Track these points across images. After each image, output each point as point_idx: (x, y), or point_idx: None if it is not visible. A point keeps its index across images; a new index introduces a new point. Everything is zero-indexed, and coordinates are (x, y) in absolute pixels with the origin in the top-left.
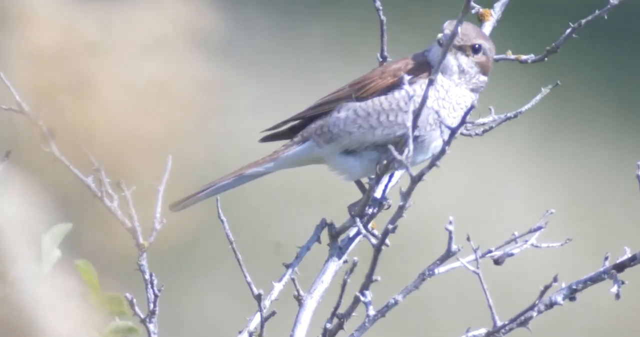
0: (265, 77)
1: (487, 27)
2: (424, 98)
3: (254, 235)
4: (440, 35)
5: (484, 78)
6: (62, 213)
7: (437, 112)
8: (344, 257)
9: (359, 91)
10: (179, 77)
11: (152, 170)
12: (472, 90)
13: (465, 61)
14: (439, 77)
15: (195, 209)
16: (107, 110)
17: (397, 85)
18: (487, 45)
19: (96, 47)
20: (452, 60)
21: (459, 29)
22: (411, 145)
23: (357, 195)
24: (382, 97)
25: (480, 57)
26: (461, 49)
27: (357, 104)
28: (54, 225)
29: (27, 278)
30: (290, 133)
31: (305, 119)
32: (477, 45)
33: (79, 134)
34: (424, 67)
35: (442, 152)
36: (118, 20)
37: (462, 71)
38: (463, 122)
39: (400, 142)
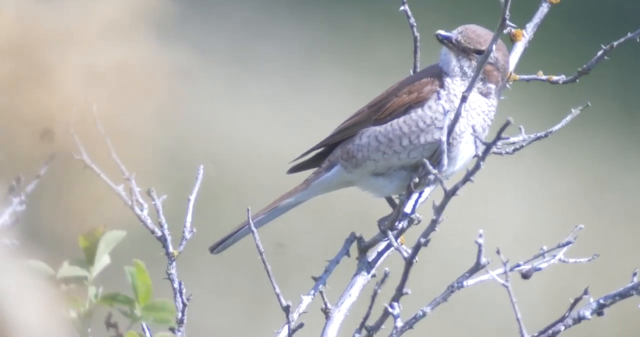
0: (224, 60)
1: (519, 47)
2: (457, 115)
3: (268, 239)
4: (441, 31)
5: (489, 85)
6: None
7: (472, 127)
8: (373, 271)
9: (378, 112)
10: (137, 62)
11: (116, 154)
12: (482, 94)
13: (467, 64)
14: (449, 83)
15: (222, 218)
16: (68, 98)
17: (414, 102)
18: (494, 54)
19: (54, 36)
20: (454, 61)
21: (468, 32)
22: (445, 160)
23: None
24: (401, 121)
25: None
26: (465, 51)
27: (378, 129)
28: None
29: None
30: (317, 160)
31: (330, 145)
32: (481, 52)
33: (41, 123)
34: (436, 78)
35: (477, 167)
36: (74, 8)
37: (464, 73)
38: (498, 138)
39: (432, 157)
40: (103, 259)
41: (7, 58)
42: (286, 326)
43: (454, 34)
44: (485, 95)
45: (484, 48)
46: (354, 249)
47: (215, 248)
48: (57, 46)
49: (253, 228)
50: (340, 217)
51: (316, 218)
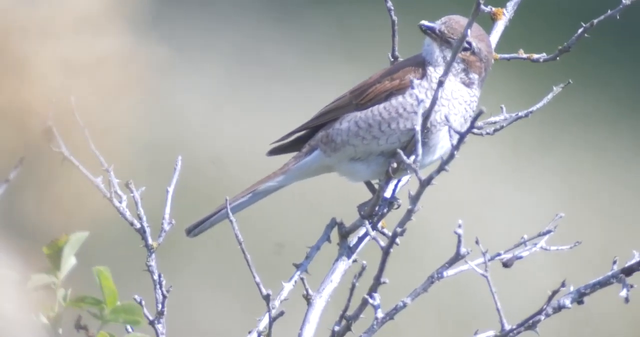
0: (199, 53)
1: (500, 26)
2: (434, 100)
3: (255, 232)
4: (424, 21)
5: (472, 76)
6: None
7: (446, 117)
8: (354, 257)
9: (359, 98)
10: (113, 55)
11: (94, 147)
12: (465, 84)
13: (450, 55)
14: (432, 72)
15: (202, 209)
16: (44, 91)
17: (395, 89)
18: (477, 44)
19: (29, 28)
20: (437, 51)
21: (452, 23)
22: (420, 150)
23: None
24: (382, 107)
25: (467, 55)
26: (448, 42)
27: (358, 114)
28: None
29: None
30: (297, 144)
31: (311, 129)
32: (467, 44)
33: (17, 115)
34: (420, 67)
35: (451, 156)
36: (50, 0)
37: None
38: (472, 127)
39: (408, 146)
40: (69, 262)
41: None
42: (267, 314)
43: (437, 24)
44: (467, 85)
45: (467, 38)
46: (334, 235)
47: (192, 231)
48: (32, 39)
49: (230, 215)
50: (302, 202)
51: (316, 218)
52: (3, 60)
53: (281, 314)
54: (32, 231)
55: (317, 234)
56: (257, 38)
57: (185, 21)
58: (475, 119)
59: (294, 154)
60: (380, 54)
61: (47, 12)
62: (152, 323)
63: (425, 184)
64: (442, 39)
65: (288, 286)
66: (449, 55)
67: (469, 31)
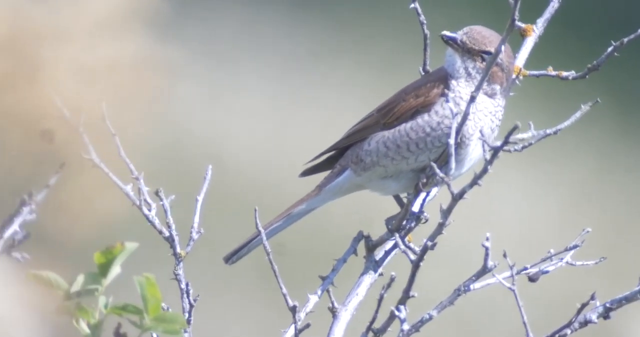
0: (217, 57)
1: (529, 43)
2: (465, 115)
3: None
4: (446, 32)
5: (494, 86)
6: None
7: (480, 131)
8: (380, 270)
9: (386, 117)
10: (131, 59)
11: (106, 152)
12: (488, 95)
13: (472, 65)
14: (455, 86)
15: (229, 219)
16: (61, 95)
17: (421, 106)
18: (500, 56)
19: (45, 32)
20: (459, 62)
21: (473, 33)
22: (453, 164)
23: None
24: (408, 126)
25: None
26: (470, 52)
27: (386, 134)
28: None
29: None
30: (327, 164)
31: (341, 149)
32: (486, 53)
33: (34, 120)
34: (443, 81)
35: (485, 171)
36: (67, 5)
37: (468, 74)
38: (506, 142)
39: (439, 159)
40: (115, 271)
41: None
42: (293, 326)
43: (459, 34)
44: (491, 96)
45: (488, 49)
46: (361, 248)
47: (230, 258)
48: (49, 43)
49: (265, 241)
50: (341, 217)
51: (316, 218)
52: (20, 64)
53: (307, 326)
54: (57, 241)
55: (325, 238)
56: (274, 40)
57: (206, 24)
58: (510, 134)
59: (325, 172)
60: (385, 55)
61: (65, 17)
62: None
63: (457, 198)
64: (463, 50)
65: (314, 298)
66: (470, 65)
67: (502, 47)
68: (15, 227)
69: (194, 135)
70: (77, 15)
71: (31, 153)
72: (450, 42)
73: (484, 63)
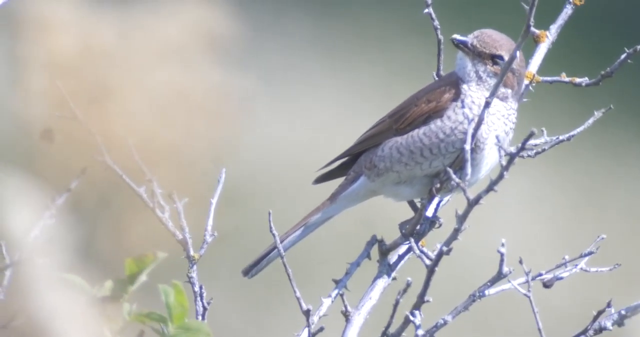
0: (285, 84)
1: (542, 49)
2: (480, 120)
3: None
4: (457, 35)
5: (505, 90)
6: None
7: (497, 137)
8: (393, 274)
9: (398, 122)
10: (196, 83)
11: (171, 177)
12: (499, 98)
13: (483, 69)
14: (467, 90)
15: (240, 221)
16: (126, 118)
17: (433, 112)
18: (513, 59)
19: (113, 53)
20: (470, 66)
21: (484, 37)
22: (469, 169)
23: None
24: (421, 132)
25: (499, 69)
26: (480, 56)
27: (399, 140)
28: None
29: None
30: (341, 170)
31: (354, 155)
32: (496, 57)
33: (98, 141)
34: (454, 86)
35: (501, 177)
36: (135, 27)
37: (479, 78)
38: (522, 148)
39: (454, 164)
40: (141, 279)
41: (67, 77)
42: (306, 329)
43: (470, 38)
44: (502, 99)
45: (499, 52)
46: (374, 252)
47: (249, 272)
48: (118, 66)
49: (282, 252)
50: (349, 218)
51: (330, 222)
52: (88, 87)
53: (321, 329)
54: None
55: (328, 239)
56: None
57: (273, 53)
58: (526, 140)
59: (339, 179)
60: (404, 59)
61: (135, 40)
62: None
63: (473, 203)
64: (474, 53)
65: (327, 302)
66: (481, 69)
67: (517, 52)
68: (35, 231)
69: (204, 138)
70: (148, 39)
71: (95, 178)
72: (460, 45)
73: (495, 66)
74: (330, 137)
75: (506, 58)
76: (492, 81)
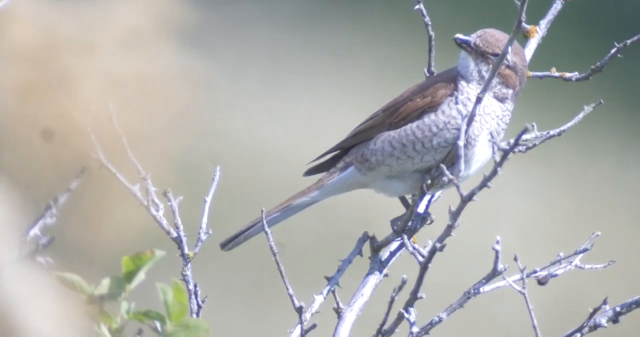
0: (244, 69)
1: (532, 44)
2: (471, 116)
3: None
4: (459, 35)
5: (506, 90)
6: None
7: (490, 134)
8: (385, 271)
9: (392, 116)
10: (158, 70)
11: (134, 165)
12: (498, 99)
13: (486, 69)
14: (464, 87)
15: (235, 219)
16: (88, 106)
17: (428, 106)
18: (513, 58)
19: (75, 42)
20: (473, 65)
21: (487, 36)
22: (462, 165)
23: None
24: (415, 126)
25: (503, 69)
26: (483, 55)
27: (392, 134)
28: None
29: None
30: (332, 163)
31: (346, 148)
32: (496, 56)
33: (60, 130)
34: (451, 82)
35: (494, 173)
36: (96, 15)
37: (481, 77)
38: (516, 144)
39: (445, 160)
40: (139, 277)
41: (26, 65)
42: (299, 326)
43: (473, 37)
44: (502, 100)
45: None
46: (366, 248)
47: (227, 245)
48: (77, 54)
49: (266, 228)
50: (340, 215)
51: (316, 217)
52: (48, 74)
53: (313, 326)
54: (71, 246)
55: (325, 237)
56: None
57: (232, 38)
58: (520, 135)
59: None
60: (396, 55)
61: (96, 28)
62: None
63: (466, 199)
64: (477, 53)
65: (319, 299)
66: (484, 68)
67: (509, 49)
68: (36, 231)
69: (202, 137)
70: (106, 26)
71: (54, 161)
72: (463, 45)
73: (504, 67)
74: (322, 131)
75: (510, 58)
76: (496, 81)
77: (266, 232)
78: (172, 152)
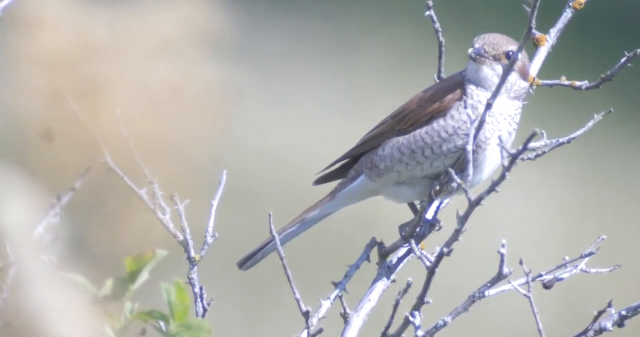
0: (277, 79)
1: (542, 52)
2: (481, 122)
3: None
4: (470, 49)
5: (524, 84)
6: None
7: (499, 138)
8: (392, 277)
9: (401, 123)
10: (189, 79)
11: (164, 172)
12: (515, 98)
13: (500, 69)
14: (473, 90)
15: (243, 222)
16: (118, 113)
17: (436, 111)
18: (521, 54)
19: (107, 50)
20: (489, 71)
21: (489, 40)
22: (471, 170)
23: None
24: (423, 131)
25: (519, 64)
26: (495, 58)
27: (400, 140)
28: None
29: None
30: (342, 172)
31: (356, 156)
32: (510, 52)
33: (90, 137)
34: (459, 86)
35: (502, 177)
36: (128, 23)
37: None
38: (524, 148)
39: (456, 164)
40: (143, 277)
41: (56, 70)
42: (305, 331)
43: (479, 46)
44: (519, 97)
45: (511, 48)
46: (374, 254)
47: (244, 264)
48: (107, 60)
49: (279, 247)
50: (348, 221)
51: (324, 223)
52: (81, 82)
53: (320, 331)
54: (82, 248)
55: (326, 241)
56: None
57: (265, 48)
58: (528, 140)
59: (340, 180)
60: (406, 65)
61: (128, 36)
62: None
63: (474, 204)
64: (490, 58)
65: (326, 304)
66: (498, 69)
67: (519, 55)
68: (39, 229)
69: (253, 156)
70: (137, 34)
71: (64, 163)
72: (478, 56)
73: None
74: (330, 138)
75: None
76: (514, 77)
77: (278, 250)
78: (194, 159)
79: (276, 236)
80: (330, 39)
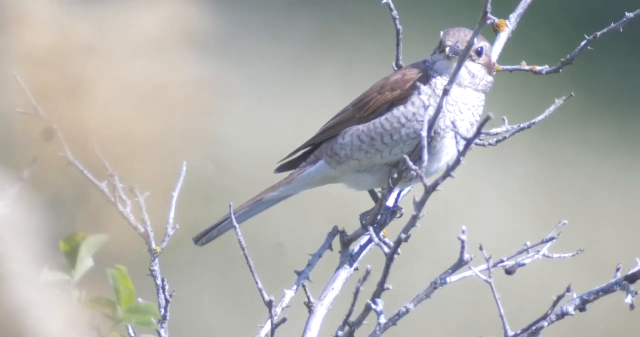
0: (260, 77)
1: (502, 38)
2: (438, 108)
3: (255, 234)
4: (447, 49)
5: (490, 78)
6: (61, 215)
7: (452, 123)
8: (355, 265)
9: (361, 110)
10: (174, 77)
11: (149, 171)
12: (480, 91)
13: (472, 66)
14: (439, 82)
15: (205, 214)
16: (103, 111)
17: (397, 99)
18: (486, 45)
19: (92, 48)
20: (464, 69)
21: (459, 35)
22: (426, 156)
23: (359, 199)
24: (383, 118)
25: (483, 58)
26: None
27: (360, 128)
28: (89, 234)
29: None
30: (303, 160)
31: (317, 144)
32: (479, 48)
33: (75, 135)
34: (423, 76)
35: (457, 162)
36: (113, 21)
37: (472, 76)
38: (478, 133)
39: (414, 153)
40: (86, 263)
41: (41, 68)
42: (269, 321)
43: (452, 44)
44: (483, 89)
45: (482, 44)
46: (336, 242)
47: (200, 240)
48: (94, 60)
49: (235, 223)
50: (311, 210)
51: (315, 219)
52: (66, 80)
53: (283, 321)
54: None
55: (314, 233)
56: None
57: (249, 46)
58: (482, 125)
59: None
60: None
61: (113, 34)
62: (157, 333)
63: (430, 190)
64: (466, 54)
65: (290, 293)
66: (471, 66)
67: (475, 39)
68: None
69: (237, 153)
70: (123, 33)
71: (58, 173)
72: (454, 55)
73: (483, 57)
74: (303, 132)
75: (485, 46)
76: (482, 73)
77: (235, 227)
78: (177, 156)
79: (232, 214)
80: (319, 36)
